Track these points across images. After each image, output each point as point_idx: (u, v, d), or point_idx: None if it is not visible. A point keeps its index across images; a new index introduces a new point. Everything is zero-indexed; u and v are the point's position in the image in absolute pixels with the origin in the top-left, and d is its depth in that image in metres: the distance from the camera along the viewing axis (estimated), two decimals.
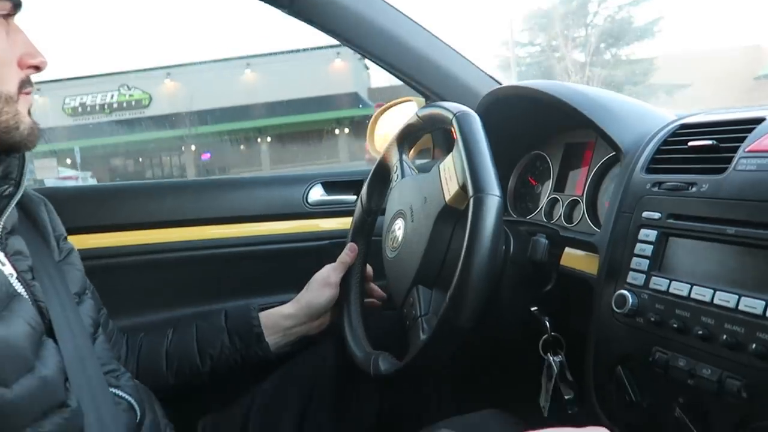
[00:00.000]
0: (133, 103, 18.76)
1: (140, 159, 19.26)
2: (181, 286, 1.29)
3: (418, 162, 1.53)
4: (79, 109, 18.78)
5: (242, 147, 19.77)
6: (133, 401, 0.76)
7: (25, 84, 0.69)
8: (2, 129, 0.67)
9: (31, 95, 0.71)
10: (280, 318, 1.02)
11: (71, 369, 0.67)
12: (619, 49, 21.72)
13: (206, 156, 19.27)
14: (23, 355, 0.59)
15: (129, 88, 18.39)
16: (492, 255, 0.71)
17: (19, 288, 0.67)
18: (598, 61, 20.81)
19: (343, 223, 1.33)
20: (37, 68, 0.71)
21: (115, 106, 18.83)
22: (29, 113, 0.71)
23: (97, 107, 18.79)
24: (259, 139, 19.19)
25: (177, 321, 1.23)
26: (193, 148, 18.97)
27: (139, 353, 0.98)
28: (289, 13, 1.17)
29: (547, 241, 0.90)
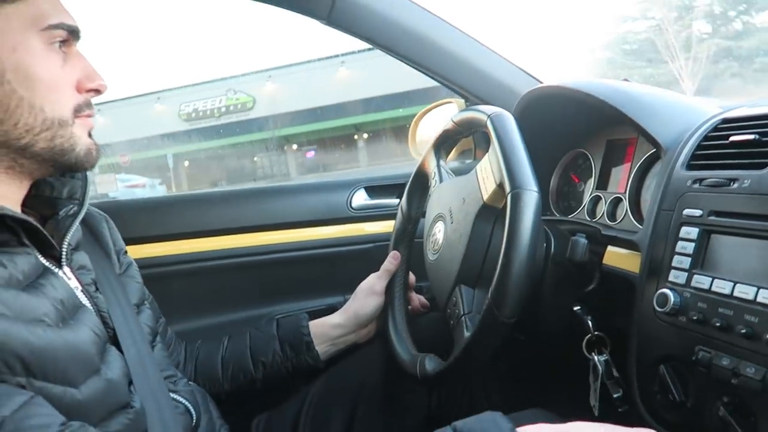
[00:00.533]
0: (239, 106, 19.50)
1: (253, 159, 19.90)
2: (231, 292, 1.34)
3: (460, 164, 1.54)
4: (193, 115, 19.72)
5: (342, 145, 20.16)
6: (189, 405, 0.81)
7: (82, 107, 0.71)
8: (57, 151, 0.69)
9: (92, 118, 0.74)
10: (329, 328, 1.06)
11: (134, 373, 0.72)
12: (753, 16, 18.24)
13: (310, 154, 19.88)
14: (90, 358, 0.64)
15: (235, 92, 19.13)
16: (531, 249, 0.72)
17: (84, 300, 0.72)
18: (727, 31, 17.87)
19: (387, 226, 1.35)
20: (97, 91, 0.74)
21: (223, 110, 19.65)
22: (89, 134, 0.74)
23: (208, 112, 19.66)
24: (356, 136, 19.52)
25: (230, 326, 1.30)
26: (294, 147, 19.57)
27: (197, 360, 1.03)
28: (328, 24, 1.20)
29: (586, 241, 0.89)
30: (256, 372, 1.01)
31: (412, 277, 1.13)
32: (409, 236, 1.14)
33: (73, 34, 0.71)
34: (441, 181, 1.02)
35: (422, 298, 1.14)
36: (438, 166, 1.04)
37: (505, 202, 0.75)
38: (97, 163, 0.75)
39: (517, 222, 0.72)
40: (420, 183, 1.11)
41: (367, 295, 1.07)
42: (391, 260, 1.10)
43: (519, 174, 0.75)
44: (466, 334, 0.81)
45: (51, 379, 0.58)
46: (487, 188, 0.83)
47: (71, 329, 0.63)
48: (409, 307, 1.11)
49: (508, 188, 0.75)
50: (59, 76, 0.68)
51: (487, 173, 0.83)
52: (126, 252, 0.93)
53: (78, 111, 0.71)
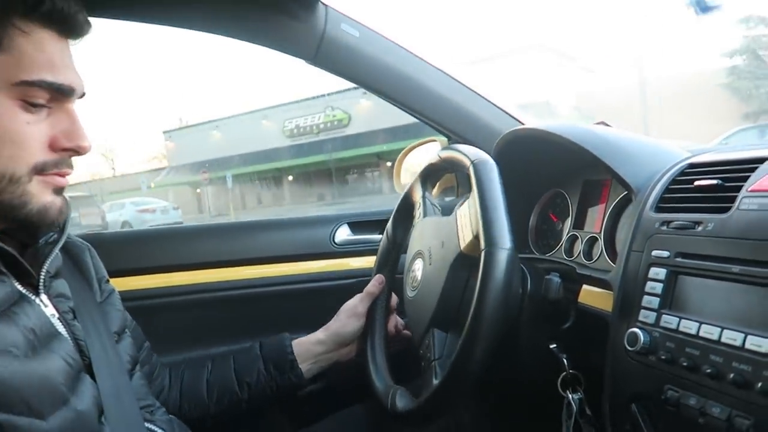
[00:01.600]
0: (336, 122, 19.59)
1: (348, 175, 19.85)
2: (214, 326, 1.35)
3: (440, 201, 1.57)
4: (295, 131, 19.84)
5: None
6: None
7: (49, 166, 0.68)
8: (5, 206, 0.66)
9: (65, 176, 0.71)
10: (311, 345, 1.07)
11: (108, 403, 0.71)
12: None
13: None
14: (59, 390, 0.64)
15: (333, 109, 19.23)
16: (501, 307, 0.74)
17: (60, 328, 0.72)
18: None
19: (370, 261, 1.36)
20: (76, 152, 0.71)
21: (321, 126, 19.73)
22: (57, 191, 0.71)
23: (308, 128, 19.73)
24: None
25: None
26: (388, 164, 19.59)
27: (182, 384, 1.03)
28: (313, 65, 1.24)
29: (560, 280, 0.91)
30: (241, 393, 1.01)
31: (394, 299, 1.14)
32: (393, 261, 1.15)
33: (61, 92, 0.68)
34: (425, 214, 1.04)
35: (400, 322, 1.14)
36: (423, 197, 1.06)
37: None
38: (60, 220, 0.72)
39: (488, 280, 0.74)
40: (406, 211, 1.13)
41: (349, 316, 1.08)
42: (375, 283, 1.12)
43: (495, 230, 0.76)
44: (434, 381, 0.83)
45: (16, 411, 0.58)
46: (465, 237, 0.85)
47: (40, 359, 0.63)
48: (390, 331, 1.12)
49: (482, 244, 0.76)
50: (22, 132, 0.65)
51: (466, 221, 0.86)
52: (108, 280, 0.93)
53: (42, 169, 0.68)
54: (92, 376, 0.72)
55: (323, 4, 1.20)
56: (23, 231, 0.75)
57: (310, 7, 1.18)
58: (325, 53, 1.22)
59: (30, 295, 0.70)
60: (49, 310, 0.72)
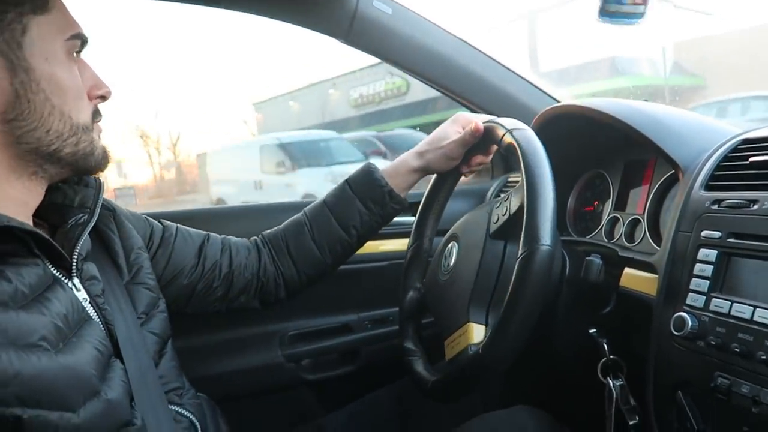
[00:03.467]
0: (395, 90, 19.41)
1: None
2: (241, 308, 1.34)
3: (475, 184, 1.54)
4: (359, 100, 19.85)
5: None
6: (194, 418, 0.80)
7: (96, 114, 0.75)
8: (80, 156, 0.72)
9: (100, 123, 0.77)
10: (405, 175, 1.03)
11: (136, 389, 0.71)
12: None
13: None
14: (89, 381, 0.63)
15: (392, 76, 19.03)
16: (533, 307, 0.72)
17: (92, 312, 0.71)
18: None
19: (401, 244, 1.34)
20: (104, 98, 0.77)
21: (382, 95, 19.64)
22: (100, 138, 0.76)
23: (371, 97, 19.74)
24: None
25: (242, 341, 1.29)
26: None
27: (289, 251, 1.03)
28: (346, 43, 1.21)
29: (601, 262, 0.88)
30: (350, 237, 1.02)
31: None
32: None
33: (84, 43, 0.74)
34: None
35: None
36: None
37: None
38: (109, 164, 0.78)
39: (522, 282, 0.72)
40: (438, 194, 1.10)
41: (444, 157, 1.01)
42: (474, 131, 0.97)
43: (537, 227, 0.73)
44: (467, 355, 0.81)
45: (46, 406, 0.57)
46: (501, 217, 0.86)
47: (71, 350, 0.62)
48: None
49: (522, 241, 0.74)
50: (80, 85, 0.72)
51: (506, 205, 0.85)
52: (141, 248, 0.87)
53: (94, 117, 0.74)
54: (122, 360, 0.72)
55: None
56: (54, 212, 0.75)
57: None
58: (358, 31, 1.19)
59: (63, 278, 0.69)
60: (81, 294, 0.71)
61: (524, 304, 0.71)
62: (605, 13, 1.05)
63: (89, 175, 0.78)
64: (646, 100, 1.14)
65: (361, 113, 19.51)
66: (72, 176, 0.76)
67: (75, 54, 0.72)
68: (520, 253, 0.73)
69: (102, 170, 0.77)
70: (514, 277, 0.72)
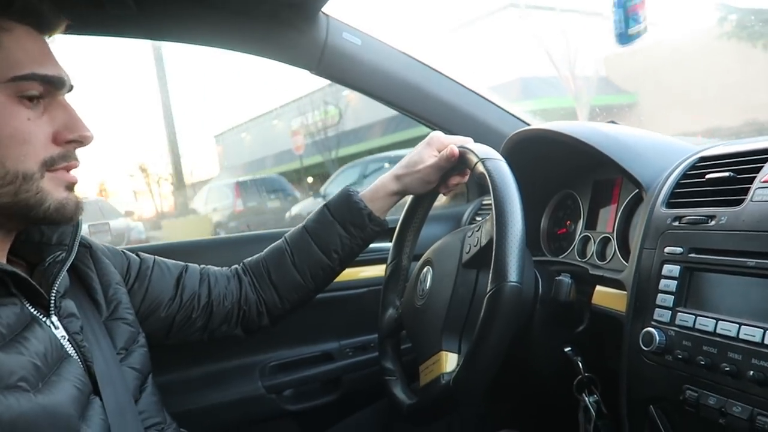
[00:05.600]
0: (329, 119, 18.14)
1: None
2: (223, 339, 1.33)
3: (451, 207, 1.56)
4: (300, 131, 19.38)
5: None
6: None
7: (56, 160, 0.68)
8: (22, 206, 0.66)
9: (73, 170, 0.71)
10: (384, 198, 1.04)
11: (114, 426, 0.70)
12: None
13: None
14: (69, 421, 0.63)
15: (326, 104, 18.00)
16: (501, 343, 0.74)
17: (70, 349, 0.71)
18: None
19: (380, 270, 1.35)
20: (79, 142, 0.71)
21: (319, 124, 18.81)
22: (70, 187, 0.71)
23: (309, 126, 18.91)
24: None
25: (223, 374, 1.28)
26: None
27: (270, 278, 1.02)
28: (316, 74, 1.24)
29: (570, 281, 0.89)
30: (332, 261, 1.02)
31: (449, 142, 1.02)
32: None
33: (52, 84, 0.68)
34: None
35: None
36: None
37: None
38: (76, 217, 0.72)
39: (492, 317, 0.74)
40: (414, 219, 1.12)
41: (423, 183, 1.02)
42: (449, 156, 0.98)
43: (505, 263, 0.75)
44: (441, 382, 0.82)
45: None
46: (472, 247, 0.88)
47: (51, 390, 0.62)
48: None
49: (491, 277, 0.75)
50: (26, 130, 0.66)
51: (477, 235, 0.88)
52: (118, 282, 0.87)
53: (51, 164, 0.68)
54: (101, 397, 0.71)
55: (324, 14, 1.20)
56: (31, 250, 0.74)
57: (311, 18, 1.18)
58: (328, 62, 1.22)
59: (41, 317, 0.69)
60: (60, 332, 0.71)
61: (493, 339, 0.73)
62: (627, 37, 1.08)
63: (48, 225, 0.74)
64: (611, 122, 1.18)
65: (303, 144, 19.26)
66: (32, 225, 0.72)
67: (38, 96, 0.67)
68: (489, 288, 0.74)
69: (63, 222, 0.72)
70: (482, 313, 0.74)
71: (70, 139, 0.70)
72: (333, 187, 8.91)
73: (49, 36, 0.73)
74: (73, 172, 0.72)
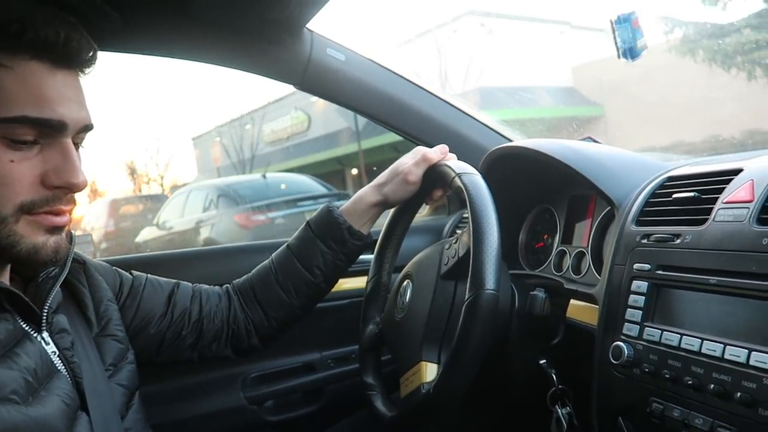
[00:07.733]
0: (297, 126, 18.11)
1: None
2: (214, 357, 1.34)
3: (432, 219, 1.58)
4: (271, 136, 18.88)
5: None
6: None
7: (37, 204, 0.65)
8: None
9: (57, 215, 0.67)
10: (364, 209, 1.04)
11: None
12: None
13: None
14: None
15: (296, 110, 17.57)
16: (479, 350, 0.77)
17: (60, 365, 0.71)
18: None
19: (361, 282, 1.37)
20: (68, 189, 0.67)
21: (289, 130, 18.36)
22: (53, 230, 0.68)
23: (280, 132, 18.72)
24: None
25: (204, 386, 1.29)
26: (354, 171, 17.13)
27: (256, 297, 1.03)
28: (300, 88, 1.26)
29: (544, 296, 0.92)
30: (316, 278, 1.02)
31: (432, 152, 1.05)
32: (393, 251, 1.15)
33: (49, 127, 0.65)
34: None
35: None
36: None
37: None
38: (57, 259, 0.69)
39: (470, 325, 0.76)
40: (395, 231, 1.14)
41: (402, 183, 1.02)
42: (438, 152, 1.03)
43: (482, 273, 0.77)
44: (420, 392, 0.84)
45: None
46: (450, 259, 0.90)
47: (40, 404, 0.63)
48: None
49: (468, 286, 0.78)
50: (4, 172, 0.63)
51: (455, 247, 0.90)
52: (110, 299, 0.87)
53: (29, 208, 0.65)
54: (88, 413, 0.71)
55: (309, 30, 1.22)
56: (23, 266, 0.74)
57: (295, 34, 1.20)
58: (312, 78, 1.24)
59: (32, 332, 0.69)
60: (50, 348, 0.71)
61: (471, 346, 0.76)
62: (637, 51, 1.11)
63: (25, 266, 0.71)
64: (586, 139, 1.21)
65: (274, 149, 18.79)
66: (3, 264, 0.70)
67: (29, 139, 0.64)
68: (466, 297, 0.77)
69: (38, 266, 0.70)
70: (461, 321, 0.77)
71: (56, 185, 0.66)
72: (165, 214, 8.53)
73: (81, 71, 0.70)
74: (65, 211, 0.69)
